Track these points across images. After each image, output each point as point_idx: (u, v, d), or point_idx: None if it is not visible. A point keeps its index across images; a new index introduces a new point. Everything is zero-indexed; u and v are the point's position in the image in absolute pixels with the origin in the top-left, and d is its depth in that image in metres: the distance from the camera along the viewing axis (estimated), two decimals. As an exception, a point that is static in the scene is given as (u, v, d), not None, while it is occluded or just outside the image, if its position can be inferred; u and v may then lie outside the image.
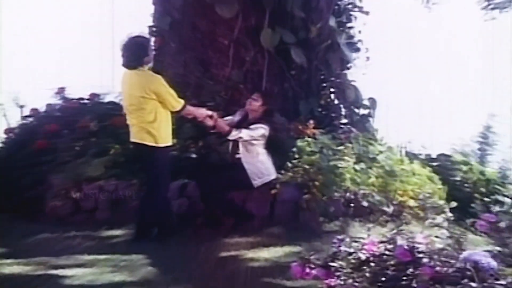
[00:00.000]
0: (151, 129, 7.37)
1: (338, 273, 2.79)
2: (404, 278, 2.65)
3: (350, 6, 11.33)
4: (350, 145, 9.35)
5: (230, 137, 7.91)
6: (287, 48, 10.03)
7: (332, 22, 10.60)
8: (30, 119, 10.93)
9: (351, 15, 11.36)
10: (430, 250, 2.72)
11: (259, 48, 9.95)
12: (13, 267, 6.48)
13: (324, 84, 10.76)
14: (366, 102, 11.22)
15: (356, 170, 8.82)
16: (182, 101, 7.52)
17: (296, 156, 8.82)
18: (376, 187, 8.75)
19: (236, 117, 8.25)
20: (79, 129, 9.72)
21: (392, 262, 2.70)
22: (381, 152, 9.54)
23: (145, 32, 8.51)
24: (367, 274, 2.69)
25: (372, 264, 2.69)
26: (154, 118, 7.37)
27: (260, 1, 9.96)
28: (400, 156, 10.46)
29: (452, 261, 2.67)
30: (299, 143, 9.03)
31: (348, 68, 11.12)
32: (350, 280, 2.71)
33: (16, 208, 8.92)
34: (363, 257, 2.73)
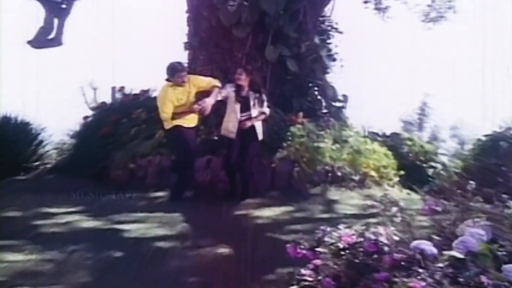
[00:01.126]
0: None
1: (322, 256, 2.72)
2: (371, 263, 2.59)
3: (329, 28, 11.13)
4: (328, 130, 9.28)
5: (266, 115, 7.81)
6: (284, 59, 9.91)
7: (316, 40, 10.50)
8: (99, 110, 10.85)
9: (330, 34, 11.18)
10: (390, 242, 2.64)
11: (264, 60, 9.80)
12: (89, 223, 6.47)
13: (310, 85, 10.60)
14: (340, 98, 11.08)
15: (333, 149, 8.76)
16: (164, 117, 7.54)
17: (290, 139, 8.77)
18: (347, 161, 8.71)
19: (229, 89, 7.62)
20: (133, 118, 9.61)
21: (362, 250, 2.62)
22: (351, 135, 9.44)
23: (182, 61, 8.26)
24: (343, 259, 2.63)
25: (347, 251, 2.63)
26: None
27: (264, 25, 9.83)
28: (364, 136, 10.41)
29: (405, 250, 2.60)
30: (292, 129, 8.95)
31: (327, 73, 10.94)
32: (331, 263, 2.64)
33: (90, 176, 8.92)
34: (340, 246, 2.66)
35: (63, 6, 11.40)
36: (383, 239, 2.66)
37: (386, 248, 2.61)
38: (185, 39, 10.80)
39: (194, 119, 7.69)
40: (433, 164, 11.32)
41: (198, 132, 8.40)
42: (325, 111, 10.73)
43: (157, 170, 8.66)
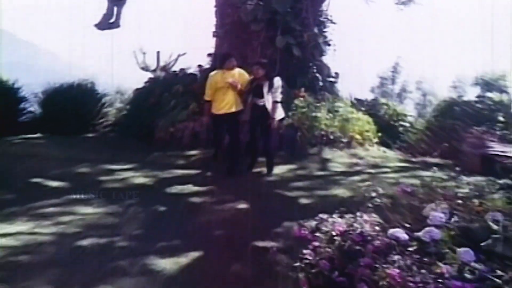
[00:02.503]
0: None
1: (319, 240, 2.68)
2: (357, 249, 2.54)
3: (325, 19, 10.69)
4: (324, 103, 9.11)
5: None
6: (290, 46, 9.61)
7: (315, 30, 10.16)
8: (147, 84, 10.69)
9: (326, 25, 10.74)
10: (373, 232, 2.58)
11: (274, 47, 9.51)
12: (139, 179, 6.43)
13: (310, 65, 10.32)
14: (333, 75, 10.81)
15: (327, 118, 8.64)
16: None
17: (294, 109, 8.63)
18: (338, 128, 8.59)
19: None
20: (173, 92, 9.42)
21: (350, 238, 2.57)
22: (341, 106, 9.26)
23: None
24: (336, 244, 2.58)
25: (339, 238, 2.58)
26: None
27: (275, 21, 9.57)
28: (352, 104, 10.26)
29: (384, 238, 2.54)
30: (296, 101, 8.80)
31: (324, 55, 10.61)
32: (326, 247, 2.60)
33: (140, 137, 8.88)
34: (334, 233, 2.61)
35: (121, -3, 11.25)
36: (367, 227, 2.61)
37: (369, 237, 2.55)
38: (213, 29, 10.54)
39: (229, 104, 6.63)
40: (402, 123, 11.26)
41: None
42: (321, 84, 10.50)
43: (191, 133, 8.56)
